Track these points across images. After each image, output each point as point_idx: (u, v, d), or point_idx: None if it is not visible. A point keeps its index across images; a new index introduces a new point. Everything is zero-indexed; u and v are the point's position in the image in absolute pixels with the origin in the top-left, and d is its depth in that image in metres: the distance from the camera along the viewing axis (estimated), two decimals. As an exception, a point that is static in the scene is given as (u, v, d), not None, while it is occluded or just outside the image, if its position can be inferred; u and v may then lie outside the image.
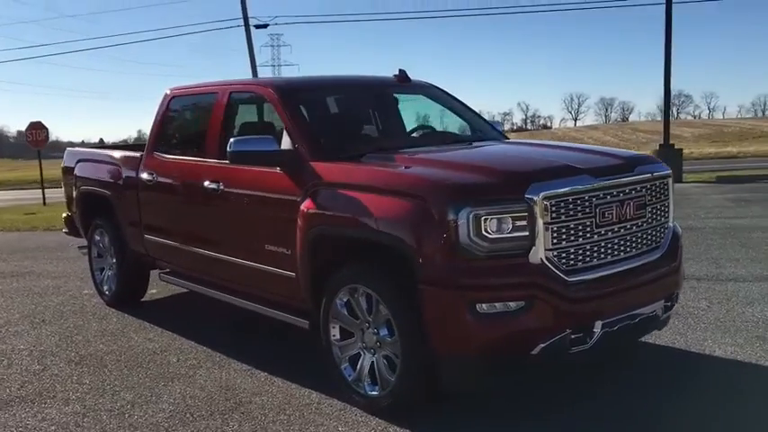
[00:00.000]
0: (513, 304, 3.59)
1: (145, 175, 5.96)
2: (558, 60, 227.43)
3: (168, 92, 6.11)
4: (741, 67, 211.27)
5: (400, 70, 5.61)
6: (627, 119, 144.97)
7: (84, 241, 7.62)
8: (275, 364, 4.99)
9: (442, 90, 5.84)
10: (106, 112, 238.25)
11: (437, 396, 4.05)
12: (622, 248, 3.97)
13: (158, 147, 5.97)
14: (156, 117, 6.09)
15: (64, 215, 7.80)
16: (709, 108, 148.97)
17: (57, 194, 27.39)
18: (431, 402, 4.07)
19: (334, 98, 5.44)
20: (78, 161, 7.20)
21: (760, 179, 17.18)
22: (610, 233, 3.89)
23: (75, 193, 7.18)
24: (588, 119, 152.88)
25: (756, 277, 6.89)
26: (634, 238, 4.04)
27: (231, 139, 4.58)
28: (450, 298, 3.61)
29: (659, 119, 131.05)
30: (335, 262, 4.29)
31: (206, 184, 5.18)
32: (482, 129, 5.57)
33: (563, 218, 3.68)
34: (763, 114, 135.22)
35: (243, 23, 35.25)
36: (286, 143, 4.61)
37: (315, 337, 4.48)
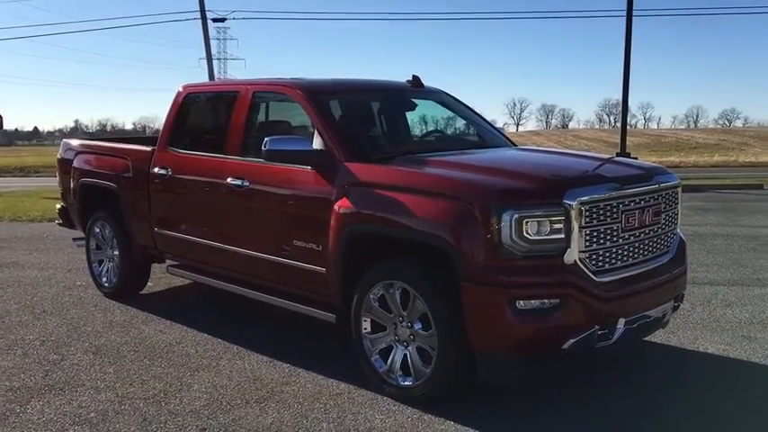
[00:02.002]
0: (549, 302, 3.87)
1: (157, 170, 6.04)
2: (502, 65, 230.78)
3: (181, 89, 6.21)
4: (675, 79, 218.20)
5: (414, 76, 5.84)
6: (567, 126, 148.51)
7: (79, 233, 7.65)
8: (294, 356, 5.17)
9: (452, 96, 6.09)
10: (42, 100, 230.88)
11: (469, 387, 4.30)
12: (641, 252, 4.30)
13: (172, 142, 6.06)
14: (168, 113, 6.18)
15: (58, 206, 7.78)
16: (645, 118, 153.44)
17: (15, 183, 26.74)
18: (463, 392, 4.31)
19: (360, 101, 5.64)
20: (78, 153, 7.21)
21: (710, 189, 17.99)
22: (632, 237, 4.21)
23: (73, 185, 7.19)
24: (530, 124, 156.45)
25: (728, 281, 7.35)
26: (650, 243, 4.37)
27: (267, 138, 4.74)
28: (492, 294, 3.86)
29: (597, 126, 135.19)
30: (368, 259, 4.50)
31: (229, 180, 5.32)
32: (492, 134, 5.85)
33: (595, 222, 3.98)
34: (696, 125, 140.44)
35: (200, 16, 35.03)
36: (317, 143, 4.79)
37: (333, 331, 4.71)
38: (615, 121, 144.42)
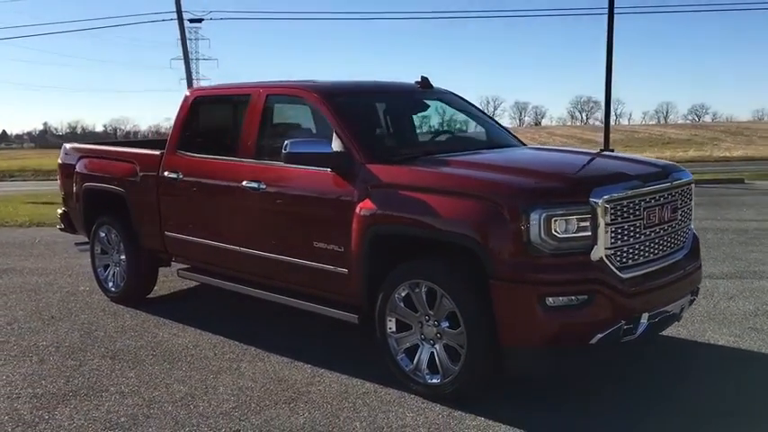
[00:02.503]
0: (577, 298, 3.95)
1: (167, 173, 6.04)
2: (474, 63, 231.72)
3: (189, 93, 6.21)
4: (645, 76, 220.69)
5: (422, 77, 5.90)
6: (540, 123, 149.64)
7: (81, 238, 7.62)
8: (314, 356, 5.21)
9: (459, 96, 6.16)
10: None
11: (497, 382, 4.38)
12: (660, 248, 4.41)
13: (182, 146, 6.06)
14: (177, 117, 6.18)
15: (60, 211, 7.73)
16: (616, 114, 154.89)
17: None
18: (490, 388, 4.39)
19: (375, 103, 5.68)
20: (81, 157, 7.18)
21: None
22: (653, 234, 4.31)
23: (75, 189, 7.15)
24: (503, 122, 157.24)
25: (726, 275, 7.51)
26: (669, 239, 4.48)
27: (287, 141, 4.77)
28: (523, 292, 3.94)
29: (569, 124, 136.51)
30: (393, 259, 4.55)
31: (244, 183, 5.34)
32: (502, 133, 5.93)
33: (619, 219, 4.07)
34: (666, 121, 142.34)
35: (176, 17, 34.81)
36: (336, 145, 4.83)
37: (349, 331, 4.78)
38: (587, 118, 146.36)
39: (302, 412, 4.30)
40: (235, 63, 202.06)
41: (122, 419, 4.27)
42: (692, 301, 4.76)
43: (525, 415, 4.16)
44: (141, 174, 6.35)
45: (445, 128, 6.00)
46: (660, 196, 4.35)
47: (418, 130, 5.89)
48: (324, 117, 5.10)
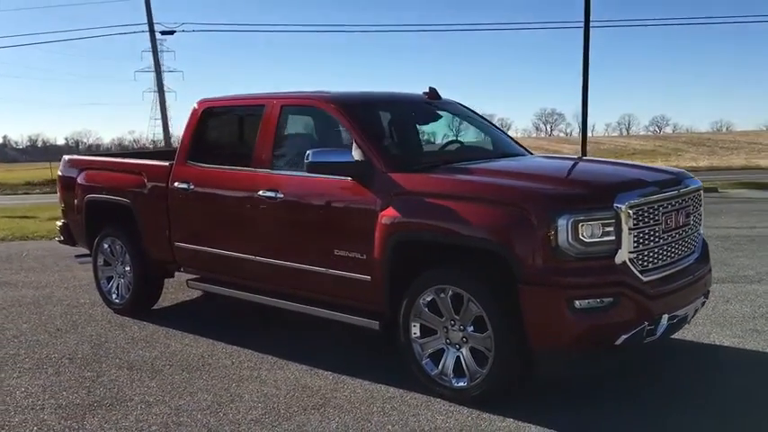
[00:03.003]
0: (603, 300, 4.08)
1: (177, 184, 6.07)
2: (440, 75, 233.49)
3: (197, 105, 6.24)
4: (607, 88, 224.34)
5: (430, 88, 6.02)
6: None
7: (81, 250, 7.58)
8: (332, 363, 5.27)
9: (465, 106, 6.30)
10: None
11: (524, 384, 4.49)
12: (676, 251, 4.56)
13: (192, 157, 6.09)
14: (186, 129, 6.21)
15: (59, 223, 7.68)
16: (579, 126, 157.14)
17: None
18: (514, 391, 4.49)
19: (391, 112, 5.77)
20: (83, 169, 7.16)
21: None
22: (670, 238, 4.47)
23: (77, 202, 7.13)
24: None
25: (719, 279, 7.70)
26: (683, 243, 4.65)
27: (309, 151, 4.85)
28: (551, 295, 4.06)
29: (534, 135, 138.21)
30: (416, 265, 4.65)
31: (260, 192, 5.40)
32: (510, 143, 6.07)
33: (641, 224, 4.22)
34: (628, 132, 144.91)
35: (148, 29, 34.63)
36: (356, 155, 4.91)
37: (365, 337, 4.86)
38: (551, 130, 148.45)
39: (333, 417, 4.36)
40: (199, 75, 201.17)
41: (153, 428, 4.29)
42: (703, 303, 4.92)
43: (550, 415, 4.26)
44: (149, 185, 6.36)
45: (457, 137, 6.11)
46: (676, 202, 4.52)
47: (432, 140, 6.00)
48: (342, 127, 5.18)
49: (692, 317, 4.88)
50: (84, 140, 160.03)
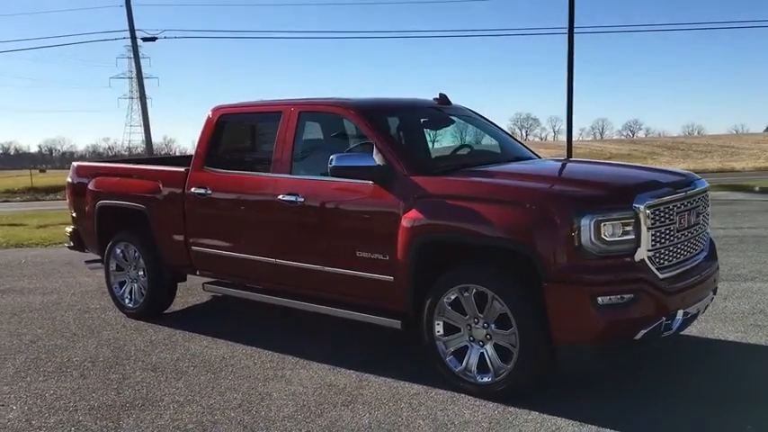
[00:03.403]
0: (624, 297, 4.27)
1: (194, 189, 6.18)
2: (414, 81, 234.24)
3: (212, 112, 6.36)
4: (580, 93, 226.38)
5: (441, 94, 6.20)
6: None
7: (91, 256, 7.65)
8: (353, 362, 5.42)
9: (475, 111, 6.49)
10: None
11: (547, 378, 4.67)
12: (688, 250, 4.77)
13: (208, 162, 6.21)
14: (202, 135, 6.33)
15: (69, 229, 7.75)
16: (554, 130, 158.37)
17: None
18: (536, 385, 4.66)
19: (407, 118, 5.93)
20: (94, 176, 7.24)
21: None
22: (683, 236, 4.68)
23: (88, 208, 7.21)
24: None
25: (713, 278, 7.97)
26: (694, 241, 4.86)
27: (333, 155, 5.00)
28: (576, 292, 4.24)
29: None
30: (439, 266, 4.81)
31: (280, 197, 5.53)
32: (520, 147, 6.26)
33: (657, 223, 4.42)
34: (602, 136, 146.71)
35: (129, 35, 34.51)
36: (377, 159, 5.07)
37: (380, 336, 4.98)
38: (527, 134, 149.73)
39: (363, 413, 4.50)
40: (174, 81, 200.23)
41: (190, 426, 4.40)
42: (711, 299, 5.14)
43: (573, 408, 4.43)
44: (165, 190, 6.47)
45: (471, 141, 6.29)
46: (687, 202, 4.73)
47: (447, 144, 6.17)
48: (362, 133, 5.33)
49: (702, 312, 5.08)
50: (58, 148, 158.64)
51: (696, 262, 4.86)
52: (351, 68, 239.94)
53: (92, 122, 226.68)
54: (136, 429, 4.38)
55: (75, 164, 7.70)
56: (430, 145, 6.04)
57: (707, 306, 5.01)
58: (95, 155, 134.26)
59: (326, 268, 5.38)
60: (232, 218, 6.03)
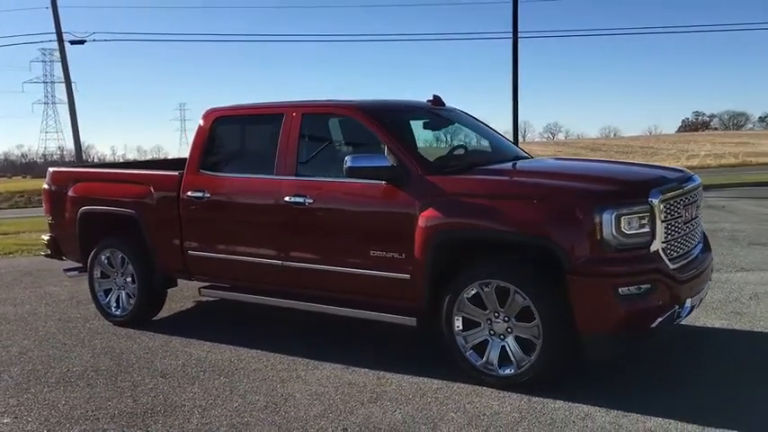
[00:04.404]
0: (643, 287, 4.49)
1: (191, 193, 6.13)
2: (368, 85, 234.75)
3: (206, 115, 6.32)
4: (501, 96, 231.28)
5: (435, 96, 6.34)
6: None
7: (70, 263, 7.47)
8: (363, 362, 5.47)
9: (466, 113, 6.64)
10: None
11: (566, 368, 4.84)
12: (690, 242, 5.04)
13: (205, 166, 6.16)
14: (196, 139, 6.28)
15: (46, 238, 7.53)
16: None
17: None
18: (556, 375, 4.83)
19: (412, 119, 6.02)
20: (75, 181, 7.07)
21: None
22: (688, 229, 4.94)
23: (68, 215, 7.03)
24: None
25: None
26: (694, 234, 5.13)
27: (348, 156, 5.07)
28: (599, 284, 4.43)
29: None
30: (457, 262, 4.93)
31: (286, 198, 5.56)
32: (514, 147, 6.45)
33: (669, 217, 4.66)
34: (524, 139, 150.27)
35: (56, 38, 33.41)
36: (390, 159, 5.15)
37: (383, 333, 5.09)
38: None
39: (393, 409, 4.57)
40: (90, 86, 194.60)
41: (222, 429, 4.39)
42: (708, 289, 5.42)
43: (594, 393, 4.62)
44: (158, 195, 6.38)
45: (471, 142, 6.43)
46: (690, 196, 5.00)
47: (449, 144, 6.29)
48: (371, 134, 5.41)
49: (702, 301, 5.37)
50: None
51: (696, 253, 5.13)
52: (281, 73, 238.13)
53: (3, 129, 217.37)
54: (168, 435, 4.34)
55: (51, 170, 7.50)
56: (434, 145, 6.15)
57: (706, 294, 5.28)
58: (7, 163, 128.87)
59: (337, 268, 5.43)
60: (233, 221, 6.00)
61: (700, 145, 74.83)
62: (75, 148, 34.86)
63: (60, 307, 7.80)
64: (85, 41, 33.68)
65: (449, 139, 6.21)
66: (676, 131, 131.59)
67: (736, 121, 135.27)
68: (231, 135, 6.38)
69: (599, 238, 4.41)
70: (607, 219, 4.40)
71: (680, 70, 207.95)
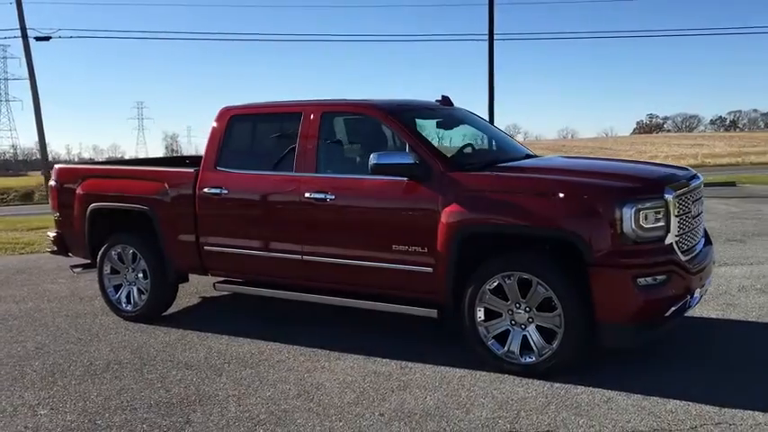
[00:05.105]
0: (659, 278, 4.76)
1: (208, 189, 6.25)
2: (337, 84, 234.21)
3: (222, 113, 6.44)
4: (470, 98, 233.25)
5: (443, 96, 6.56)
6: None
7: (76, 260, 7.52)
8: (383, 352, 5.66)
9: (473, 113, 6.88)
10: None
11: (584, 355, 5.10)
12: (696, 236, 5.34)
13: (222, 163, 6.29)
14: (212, 136, 6.39)
15: (52, 234, 7.56)
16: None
17: None
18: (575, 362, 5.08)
19: (428, 119, 6.22)
20: (84, 178, 7.12)
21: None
22: (695, 224, 5.24)
23: (77, 211, 7.09)
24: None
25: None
26: (698, 229, 5.43)
27: (373, 153, 5.26)
28: (620, 275, 4.69)
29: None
30: (478, 256, 5.16)
31: (307, 195, 5.72)
32: (521, 146, 6.70)
33: (680, 212, 4.95)
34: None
35: (20, 35, 32.85)
36: (412, 157, 5.35)
37: (395, 324, 5.31)
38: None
39: (424, 395, 4.77)
40: (44, 82, 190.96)
41: (263, 416, 4.53)
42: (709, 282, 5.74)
43: (612, 378, 4.88)
44: (173, 191, 6.48)
45: (482, 140, 6.65)
46: (696, 193, 5.30)
47: (461, 143, 6.49)
48: (391, 132, 5.61)
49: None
50: None
51: (700, 247, 5.43)
52: (243, 70, 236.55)
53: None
54: (208, 422, 4.47)
55: (57, 166, 7.53)
56: (448, 144, 6.37)
57: (708, 286, 5.59)
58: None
59: (359, 262, 5.60)
60: (252, 217, 6.13)
61: (657, 146, 76.64)
62: (41, 148, 34.40)
63: (64, 303, 7.82)
64: (51, 38, 33.21)
65: (461, 138, 6.40)
66: (631, 133, 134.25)
67: (688, 124, 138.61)
68: (247, 133, 6.50)
69: (619, 231, 4.67)
70: (627, 213, 4.66)
71: (633, 74, 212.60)
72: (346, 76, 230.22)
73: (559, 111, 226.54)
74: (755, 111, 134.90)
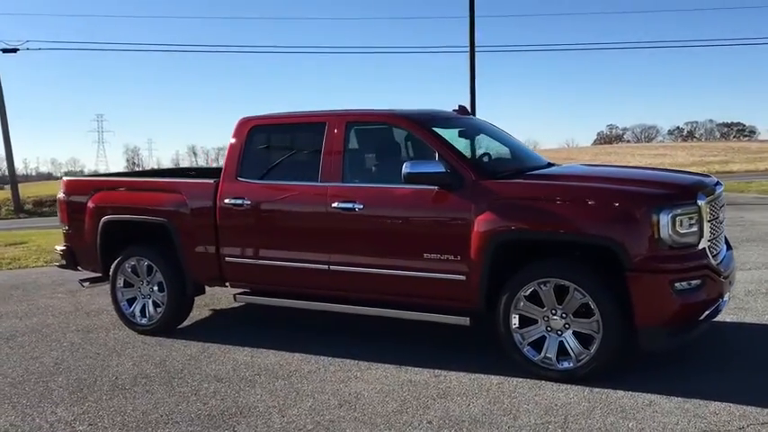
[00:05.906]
0: (694, 282, 4.86)
1: (229, 200, 6.22)
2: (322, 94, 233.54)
3: (241, 124, 6.42)
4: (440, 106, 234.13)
5: (460, 105, 6.64)
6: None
7: (85, 274, 7.41)
8: (412, 361, 5.66)
9: (490, 123, 6.95)
10: None
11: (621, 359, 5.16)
12: (721, 241, 5.47)
13: (243, 173, 6.26)
14: (233, 147, 6.37)
15: (60, 248, 7.43)
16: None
17: None
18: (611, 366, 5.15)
19: (450, 128, 6.25)
20: (95, 191, 7.03)
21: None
22: (721, 230, 5.36)
23: (88, 225, 6.99)
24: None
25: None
26: (722, 234, 5.56)
27: (406, 162, 5.29)
28: (658, 280, 4.78)
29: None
30: (512, 263, 5.21)
31: (334, 205, 5.72)
32: (538, 155, 6.79)
33: (710, 217, 5.07)
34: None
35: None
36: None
37: (417, 332, 5.34)
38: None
39: (467, 402, 4.79)
40: (18, 95, 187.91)
41: (309, 426, 4.51)
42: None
43: (652, 382, 4.95)
44: (192, 202, 6.43)
45: (502, 149, 6.70)
46: (722, 199, 5.43)
47: (483, 151, 6.55)
48: (419, 141, 5.65)
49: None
50: None
51: (724, 252, 5.55)
52: (206, 82, 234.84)
53: None
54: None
55: (65, 179, 7.42)
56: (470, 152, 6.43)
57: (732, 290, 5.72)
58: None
59: (389, 271, 5.61)
60: (276, 227, 6.11)
61: (621, 156, 77.74)
62: (8, 162, 33.74)
63: (71, 318, 7.69)
64: (18, 50, 32.71)
65: (483, 147, 6.46)
66: (592, 144, 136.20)
67: (647, 134, 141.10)
68: (269, 143, 6.47)
69: (657, 237, 4.76)
70: (664, 219, 4.75)
71: (592, 86, 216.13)
72: (313, 87, 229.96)
73: (521, 122, 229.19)
74: (711, 121, 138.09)
